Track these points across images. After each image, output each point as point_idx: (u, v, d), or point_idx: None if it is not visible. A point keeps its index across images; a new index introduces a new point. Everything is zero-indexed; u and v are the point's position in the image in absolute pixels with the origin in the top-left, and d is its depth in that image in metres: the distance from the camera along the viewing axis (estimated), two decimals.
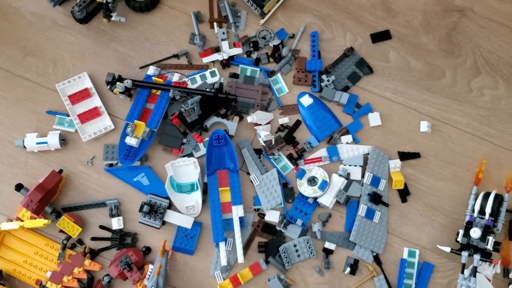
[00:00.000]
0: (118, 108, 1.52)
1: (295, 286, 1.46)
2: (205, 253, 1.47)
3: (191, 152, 1.50)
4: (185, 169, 1.47)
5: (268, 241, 1.48)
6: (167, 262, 1.38)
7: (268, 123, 1.51)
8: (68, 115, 1.49)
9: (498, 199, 1.42)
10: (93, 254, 1.43)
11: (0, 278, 1.38)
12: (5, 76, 1.53)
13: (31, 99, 1.52)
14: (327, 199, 1.46)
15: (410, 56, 1.60)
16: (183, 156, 1.49)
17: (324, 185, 1.45)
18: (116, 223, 1.44)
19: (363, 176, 1.51)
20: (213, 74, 1.55)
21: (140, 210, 1.41)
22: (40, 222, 1.37)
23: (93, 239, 1.44)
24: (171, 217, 1.44)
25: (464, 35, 1.61)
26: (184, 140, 1.50)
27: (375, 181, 1.50)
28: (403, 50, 1.60)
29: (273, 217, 1.48)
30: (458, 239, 1.42)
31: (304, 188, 1.47)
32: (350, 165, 1.52)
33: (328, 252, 1.47)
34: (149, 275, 1.38)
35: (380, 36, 1.61)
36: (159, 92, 1.49)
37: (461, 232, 1.43)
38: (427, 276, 1.47)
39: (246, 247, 1.47)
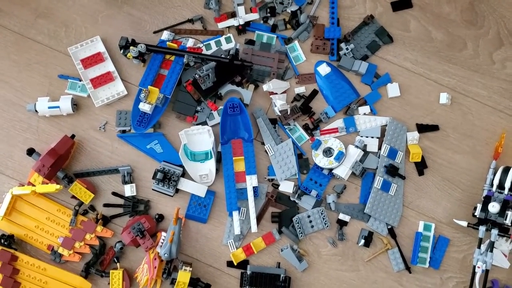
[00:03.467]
0: (131, 73, 1.49)
1: (308, 256, 1.45)
2: (218, 222, 1.45)
3: (205, 120, 1.47)
4: (199, 137, 1.44)
5: (281, 211, 1.46)
6: (180, 229, 1.36)
7: (284, 92, 1.48)
8: (80, 80, 1.46)
9: None
10: (105, 221, 1.41)
11: (12, 242, 1.37)
12: (16, 39, 1.49)
13: (43, 62, 1.49)
14: (343, 171, 1.43)
15: (431, 26, 1.55)
16: (197, 124, 1.47)
17: (340, 156, 1.42)
18: (129, 190, 1.42)
19: (379, 148, 1.48)
20: (228, 40, 1.50)
21: (154, 177, 1.39)
22: (52, 187, 1.35)
23: (106, 205, 1.43)
24: (185, 185, 1.42)
25: (487, 4, 1.55)
26: (198, 108, 1.46)
27: (392, 153, 1.47)
28: (424, 20, 1.55)
29: (287, 187, 1.46)
30: (476, 214, 1.40)
31: (319, 159, 1.44)
32: (367, 137, 1.48)
33: (342, 223, 1.45)
34: (162, 243, 1.37)
35: (401, 4, 1.56)
36: (173, 58, 1.45)
37: (479, 206, 1.40)
38: (442, 250, 1.45)
39: (259, 217, 1.45)
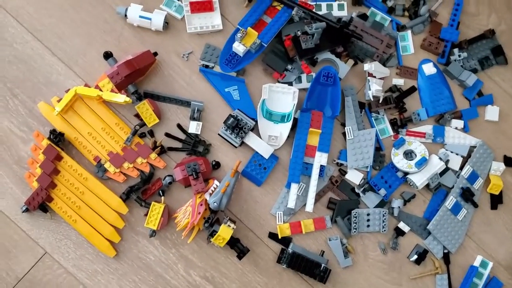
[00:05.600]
0: (231, 10, 1.39)
1: (354, 255, 1.35)
2: (272, 190, 1.35)
3: (292, 81, 1.37)
4: (282, 96, 1.34)
5: (340, 200, 1.36)
6: (235, 183, 1.27)
7: (382, 78, 1.38)
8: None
9: None
10: (162, 150, 1.32)
11: (61, 141, 1.28)
12: None
13: None
14: (419, 179, 1.33)
15: None
16: (283, 83, 1.37)
17: (422, 163, 1.32)
18: (194, 127, 1.33)
19: (461, 168, 1.38)
20: (341, 7, 1.40)
21: (225, 122, 1.29)
22: (121, 97, 1.25)
23: (167, 135, 1.33)
24: (252, 140, 1.32)
25: None
26: (289, 67, 1.37)
27: (473, 177, 1.36)
28: None
29: (354, 177, 1.36)
30: None
31: (398, 159, 1.34)
32: (451, 152, 1.38)
33: (399, 232, 1.35)
34: (213, 191, 1.27)
35: None
36: (281, 7, 1.35)
37: None
38: None
39: (316, 199, 1.35)
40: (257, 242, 1.34)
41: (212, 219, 1.26)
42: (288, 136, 1.36)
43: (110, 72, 1.26)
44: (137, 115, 1.31)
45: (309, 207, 1.31)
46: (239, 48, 1.30)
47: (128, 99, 1.26)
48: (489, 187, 1.38)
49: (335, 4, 1.40)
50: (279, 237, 1.32)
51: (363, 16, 1.40)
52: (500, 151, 1.41)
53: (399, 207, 1.34)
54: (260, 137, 1.34)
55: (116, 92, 1.29)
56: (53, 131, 1.28)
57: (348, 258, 1.33)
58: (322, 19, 1.33)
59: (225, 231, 1.24)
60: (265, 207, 1.35)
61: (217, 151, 1.35)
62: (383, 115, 1.38)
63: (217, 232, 1.24)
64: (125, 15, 1.33)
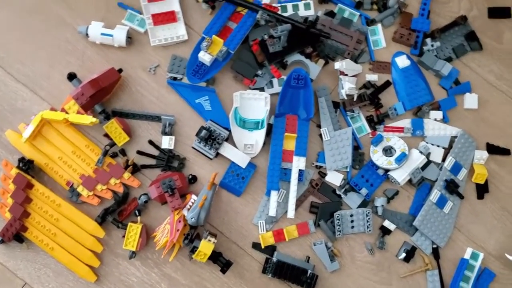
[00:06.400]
0: (196, 19, 1.36)
1: (341, 258, 1.32)
2: (252, 199, 1.32)
3: (263, 87, 1.34)
4: (254, 103, 1.31)
5: (322, 203, 1.33)
6: (213, 196, 1.24)
7: (355, 76, 1.35)
8: (140, 13, 1.33)
9: None
10: (135, 169, 1.29)
11: (30, 168, 1.25)
12: None
13: None
14: (400, 175, 1.30)
15: None
16: (254, 89, 1.34)
17: (402, 159, 1.28)
18: (167, 142, 1.30)
19: (443, 160, 1.35)
20: (307, 6, 1.37)
21: (197, 134, 1.26)
22: (87, 118, 1.23)
23: (139, 152, 1.30)
24: (227, 150, 1.29)
25: None
26: (259, 72, 1.33)
27: (456, 168, 1.33)
28: None
29: (334, 179, 1.33)
30: None
31: (377, 156, 1.31)
32: (432, 144, 1.35)
33: (385, 231, 1.32)
34: (190, 206, 1.24)
35: (499, 12, 1.42)
36: (245, 11, 1.32)
37: None
38: (485, 284, 1.32)
39: (297, 204, 1.32)
40: (241, 254, 1.31)
41: (191, 235, 1.23)
42: (264, 143, 1.33)
43: (75, 93, 1.23)
44: (107, 135, 1.28)
45: (291, 213, 1.28)
46: (205, 57, 1.27)
47: (94, 120, 1.23)
48: (474, 177, 1.34)
49: (301, 4, 1.37)
50: (262, 246, 1.29)
51: (331, 14, 1.37)
52: (482, 139, 1.38)
53: (382, 205, 1.31)
54: (235, 146, 1.31)
55: (82, 114, 1.26)
56: (21, 159, 1.25)
57: (334, 261, 1.30)
58: (288, 20, 1.30)
59: (205, 247, 1.21)
60: (247, 217, 1.32)
61: (193, 164, 1.32)
62: (358, 113, 1.35)
63: (197, 248, 1.21)
64: (87, 34, 1.30)
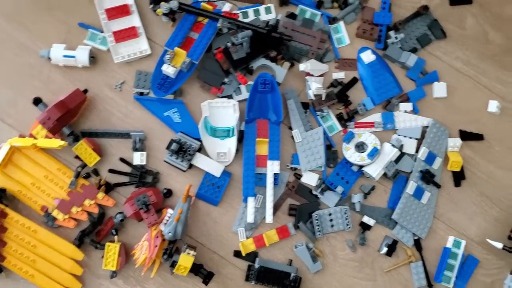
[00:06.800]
0: (157, 32, 1.36)
1: (323, 258, 1.32)
2: (230, 207, 1.32)
3: (231, 94, 1.34)
4: (223, 111, 1.31)
5: (300, 204, 1.32)
6: (189, 209, 1.23)
7: (321, 75, 1.34)
8: (102, 31, 1.33)
9: None
10: (108, 188, 1.28)
11: (3, 197, 1.24)
12: None
13: (64, 8, 1.35)
14: (374, 170, 1.30)
15: (490, 26, 1.41)
16: (222, 97, 1.33)
17: (374, 153, 1.29)
18: (139, 158, 1.29)
19: (417, 151, 1.35)
20: (268, 10, 1.37)
21: (168, 147, 1.26)
22: (56, 142, 1.22)
23: (111, 171, 1.30)
24: (200, 161, 1.29)
25: None
26: (226, 80, 1.33)
27: (430, 158, 1.33)
28: (482, 19, 1.42)
29: (310, 179, 1.33)
30: None
31: (350, 153, 1.31)
32: (404, 136, 1.35)
33: (365, 227, 1.32)
34: (167, 220, 1.24)
35: None
36: (206, 21, 1.32)
37: None
38: (470, 271, 1.32)
39: (276, 208, 1.32)
40: (223, 263, 1.30)
41: (170, 250, 1.22)
42: (237, 150, 1.33)
43: (41, 117, 1.23)
44: (78, 157, 1.27)
45: (269, 218, 1.28)
46: (168, 70, 1.27)
47: (62, 143, 1.23)
48: (449, 165, 1.34)
49: (261, 8, 1.37)
50: (243, 254, 1.29)
51: (292, 16, 1.37)
52: (455, 126, 1.38)
53: (359, 201, 1.31)
54: (208, 156, 1.31)
55: (51, 137, 1.25)
56: None
57: (317, 262, 1.30)
58: (248, 26, 1.30)
59: (185, 260, 1.20)
60: (226, 226, 1.32)
61: (167, 178, 1.32)
62: (328, 112, 1.35)
63: (177, 262, 1.20)
64: (49, 57, 1.30)
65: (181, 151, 1.27)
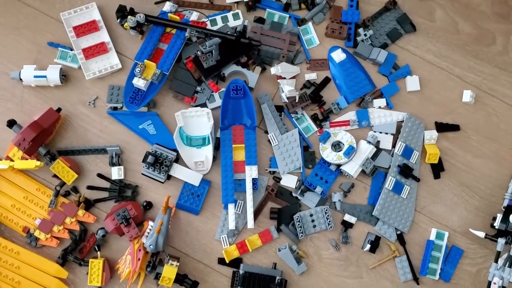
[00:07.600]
0: (127, 46, 1.36)
1: (308, 259, 1.32)
2: (211, 215, 1.32)
3: (204, 102, 1.34)
4: (197, 120, 1.31)
5: (281, 207, 1.33)
6: (169, 220, 1.23)
7: (293, 77, 1.35)
8: (71, 49, 1.33)
9: None
10: (88, 205, 1.29)
11: None
12: (5, 0, 1.37)
13: (32, 27, 1.36)
14: (352, 167, 1.30)
15: (459, 16, 1.42)
16: (196, 106, 1.34)
17: (350, 152, 1.29)
18: (116, 173, 1.30)
19: (394, 146, 1.35)
20: (236, 16, 1.37)
21: (144, 160, 1.26)
22: (32, 163, 1.23)
23: (90, 188, 1.30)
24: (178, 171, 1.29)
25: None
26: (198, 88, 1.34)
27: (407, 152, 1.34)
28: (451, 9, 1.42)
29: (289, 182, 1.33)
30: (495, 225, 1.28)
31: (327, 153, 1.31)
32: (380, 132, 1.35)
33: (347, 225, 1.32)
34: (148, 233, 1.24)
35: None
36: (174, 31, 1.32)
37: (499, 216, 1.28)
38: (455, 261, 1.33)
39: (257, 212, 1.32)
40: (208, 272, 1.31)
41: (153, 262, 1.23)
42: (215, 158, 1.33)
43: (16, 139, 1.23)
44: (56, 175, 1.27)
45: (250, 223, 1.28)
46: (139, 83, 1.27)
47: (39, 163, 1.23)
48: (427, 158, 1.35)
49: (229, 15, 1.37)
50: (227, 261, 1.29)
51: (261, 20, 1.37)
52: (430, 118, 1.38)
53: (339, 200, 1.31)
54: (186, 166, 1.32)
55: (27, 159, 1.25)
56: None
57: (302, 264, 1.30)
58: (216, 34, 1.30)
59: (168, 271, 1.21)
60: (208, 234, 1.32)
61: (147, 190, 1.32)
62: (302, 114, 1.35)
63: (161, 273, 1.21)
64: (20, 79, 1.30)
65: (157, 163, 1.27)
